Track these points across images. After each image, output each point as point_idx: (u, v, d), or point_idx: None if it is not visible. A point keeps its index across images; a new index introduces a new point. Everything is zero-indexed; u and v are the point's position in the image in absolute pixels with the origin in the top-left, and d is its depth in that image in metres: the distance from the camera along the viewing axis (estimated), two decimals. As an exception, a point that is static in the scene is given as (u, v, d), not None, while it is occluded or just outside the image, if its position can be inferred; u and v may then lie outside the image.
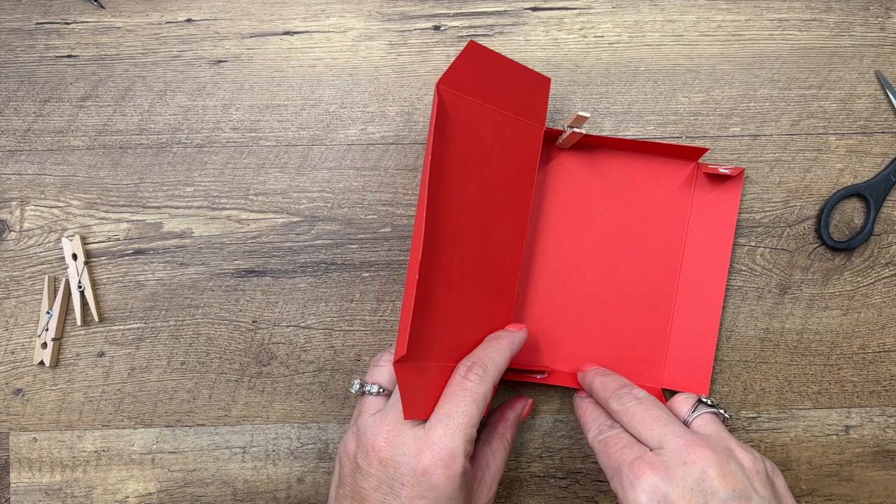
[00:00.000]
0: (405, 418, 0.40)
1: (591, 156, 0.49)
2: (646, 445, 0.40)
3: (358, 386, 0.44)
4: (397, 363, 0.39)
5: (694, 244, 0.49)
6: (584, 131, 0.46)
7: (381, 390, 0.43)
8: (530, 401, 0.49)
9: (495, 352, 0.43)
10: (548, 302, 0.49)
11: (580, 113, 0.44)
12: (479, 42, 0.50)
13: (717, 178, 0.49)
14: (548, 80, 0.46)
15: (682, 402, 0.43)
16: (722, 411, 0.43)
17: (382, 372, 0.44)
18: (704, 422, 0.42)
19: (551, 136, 0.48)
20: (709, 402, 0.43)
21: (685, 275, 0.49)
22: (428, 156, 0.40)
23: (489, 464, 0.44)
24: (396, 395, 0.41)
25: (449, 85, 0.42)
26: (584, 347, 0.49)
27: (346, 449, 0.42)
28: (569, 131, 0.46)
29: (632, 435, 0.41)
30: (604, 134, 0.50)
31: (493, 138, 0.44)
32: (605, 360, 0.49)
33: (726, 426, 0.42)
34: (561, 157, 0.49)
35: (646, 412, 0.41)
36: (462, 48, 0.50)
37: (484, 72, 0.43)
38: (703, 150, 0.48)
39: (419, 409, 0.40)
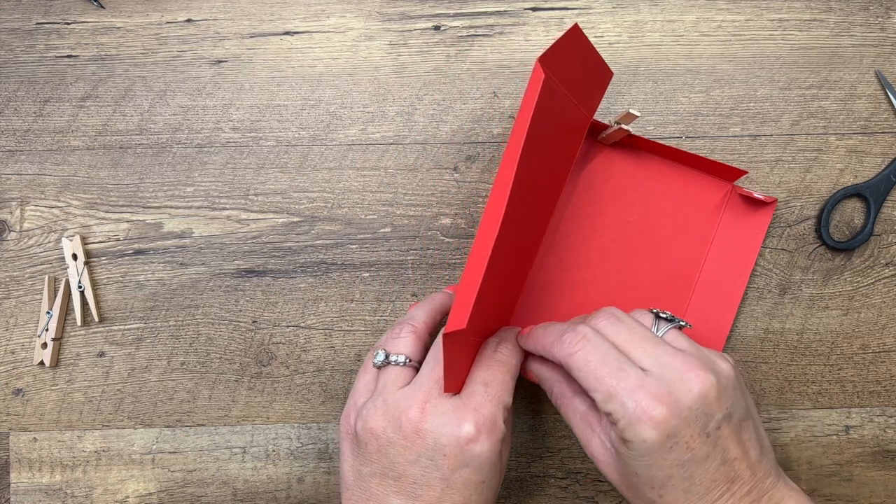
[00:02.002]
0: (444, 391, 0.39)
1: (630, 156, 0.49)
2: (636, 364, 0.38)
3: (383, 356, 0.42)
4: (449, 335, 0.37)
5: (713, 264, 0.49)
6: (630, 129, 0.45)
7: (409, 361, 0.42)
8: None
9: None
10: (559, 289, 0.49)
11: (631, 110, 0.43)
12: (480, 42, 0.51)
13: (749, 204, 0.49)
14: (611, 73, 0.46)
15: (643, 318, 0.41)
16: (682, 322, 0.41)
17: (405, 343, 0.42)
18: (674, 338, 0.40)
19: (595, 130, 0.48)
20: (668, 317, 0.41)
21: (698, 292, 0.49)
22: (522, 132, 0.38)
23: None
24: (429, 365, 0.41)
25: (545, 64, 0.40)
26: None
27: (369, 425, 0.40)
28: (615, 127, 0.46)
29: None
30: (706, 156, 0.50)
31: (557, 121, 0.43)
32: None
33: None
34: (601, 151, 0.49)
35: (630, 331, 0.39)
36: (462, 48, 0.50)
37: (572, 56, 0.42)
38: (742, 172, 0.47)
39: (457, 382, 0.40)
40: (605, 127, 0.47)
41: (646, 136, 0.50)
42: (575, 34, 0.41)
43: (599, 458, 0.40)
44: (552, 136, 0.44)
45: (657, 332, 0.40)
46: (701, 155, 0.47)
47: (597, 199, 0.49)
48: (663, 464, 0.37)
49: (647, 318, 0.41)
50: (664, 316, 0.41)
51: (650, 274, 0.49)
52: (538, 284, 0.49)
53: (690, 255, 0.49)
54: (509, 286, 0.45)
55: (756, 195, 0.47)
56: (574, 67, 0.43)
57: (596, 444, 0.40)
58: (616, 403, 0.36)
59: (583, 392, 0.40)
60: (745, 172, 0.47)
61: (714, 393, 0.37)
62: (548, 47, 0.39)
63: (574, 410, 0.41)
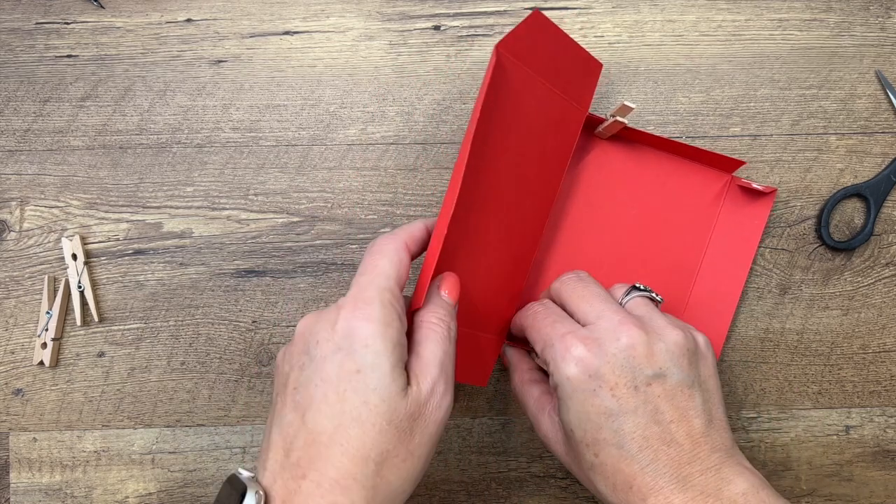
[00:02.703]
0: None
1: (628, 149, 0.49)
2: (580, 321, 0.41)
3: None
4: (412, 314, 0.39)
5: (714, 255, 0.49)
6: (626, 121, 0.45)
7: None
8: (447, 276, 0.41)
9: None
10: None
11: (626, 102, 0.44)
12: (480, 42, 0.51)
13: (748, 195, 0.49)
14: (599, 64, 0.46)
15: (617, 289, 0.44)
16: (654, 295, 0.43)
17: None
18: (636, 304, 0.42)
19: (592, 124, 0.48)
20: (641, 288, 0.43)
21: (700, 284, 0.49)
22: (476, 114, 0.39)
23: (419, 353, 0.38)
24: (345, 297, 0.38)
25: (507, 50, 0.41)
26: None
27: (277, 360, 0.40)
28: (611, 119, 0.46)
29: (568, 312, 0.42)
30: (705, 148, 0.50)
31: (538, 113, 0.44)
32: None
33: (658, 309, 0.43)
34: (599, 145, 0.49)
35: (585, 288, 0.42)
36: (462, 48, 0.50)
37: (542, 44, 0.43)
38: (740, 163, 0.47)
39: None
40: (602, 121, 0.47)
41: (741, 160, 0.50)
42: (536, 20, 0.42)
43: (548, 435, 0.42)
44: (537, 127, 0.44)
45: (624, 297, 0.43)
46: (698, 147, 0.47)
47: (596, 192, 0.49)
48: (591, 410, 0.38)
49: (621, 289, 0.44)
50: (638, 286, 0.43)
51: (652, 265, 0.49)
52: (540, 278, 0.49)
53: (691, 247, 0.49)
54: (499, 276, 0.45)
55: (755, 186, 0.47)
56: (548, 56, 0.43)
57: (545, 421, 0.42)
58: (548, 349, 0.40)
59: (537, 381, 0.44)
60: (744, 163, 0.47)
61: (643, 349, 0.39)
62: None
63: (529, 395, 0.44)
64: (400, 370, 0.36)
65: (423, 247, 0.41)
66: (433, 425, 0.36)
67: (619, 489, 0.38)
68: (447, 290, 0.40)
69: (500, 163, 0.43)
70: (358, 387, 0.35)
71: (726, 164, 0.48)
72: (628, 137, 0.49)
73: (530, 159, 0.45)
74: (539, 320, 0.42)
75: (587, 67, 0.46)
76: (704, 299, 0.49)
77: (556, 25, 0.43)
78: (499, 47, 0.40)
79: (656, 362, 0.39)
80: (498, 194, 0.43)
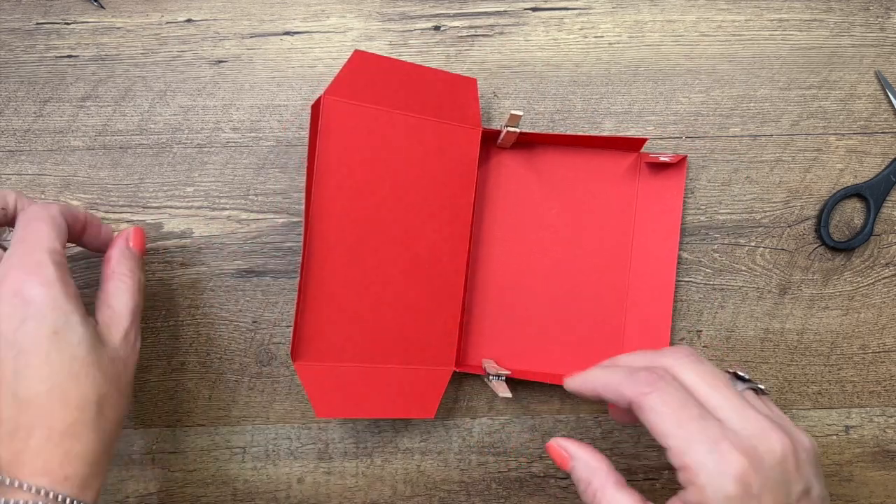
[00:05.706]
0: (317, 415, 0.44)
1: (532, 154, 0.50)
2: (708, 411, 0.35)
3: None
4: (296, 363, 0.44)
5: (642, 234, 0.50)
6: (518, 130, 0.46)
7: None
8: (134, 229, 0.44)
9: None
10: (500, 301, 0.49)
11: (513, 112, 0.44)
12: (480, 43, 0.51)
13: (661, 167, 0.49)
14: (473, 81, 0.47)
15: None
16: (760, 386, 0.38)
17: None
18: (752, 399, 0.37)
19: (491, 138, 0.48)
20: (745, 377, 0.38)
21: (636, 265, 0.50)
22: (308, 163, 0.43)
23: (111, 304, 0.41)
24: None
25: (339, 95, 0.43)
26: (541, 345, 0.49)
27: None
28: (505, 131, 0.46)
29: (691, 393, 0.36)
30: (604, 134, 0.50)
31: (410, 143, 0.45)
32: (563, 356, 0.49)
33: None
34: (502, 157, 0.49)
35: (714, 375, 0.36)
36: (462, 48, 0.50)
37: (382, 78, 0.44)
38: (642, 141, 0.48)
39: (329, 406, 0.45)
40: (499, 133, 0.47)
41: (643, 137, 0.50)
42: (358, 59, 0.44)
43: None
44: (416, 157, 0.46)
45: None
46: (607, 135, 0.48)
47: (513, 204, 0.50)
48: None
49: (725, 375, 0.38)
50: (742, 375, 0.38)
51: (586, 261, 0.50)
52: (476, 299, 0.49)
53: (619, 232, 0.50)
54: (421, 307, 0.46)
55: (662, 158, 0.47)
56: (396, 88, 0.45)
57: None
58: (697, 454, 0.33)
59: (628, 488, 0.37)
60: (646, 140, 0.48)
61: (793, 460, 0.34)
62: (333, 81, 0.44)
63: None
64: (89, 322, 0.39)
65: (78, 221, 0.43)
66: (132, 367, 0.41)
67: None
68: (133, 243, 0.44)
69: (375, 201, 0.45)
70: (61, 346, 0.38)
71: (630, 145, 0.49)
72: (530, 142, 0.49)
73: (422, 189, 0.46)
74: (675, 409, 0.35)
75: (458, 86, 0.46)
76: (644, 280, 0.49)
77: (384, 57, 0.45)
78: (325, 96, 0.43)
79: (803, 475, 0.35)
80: (384, 230, 0.45)
